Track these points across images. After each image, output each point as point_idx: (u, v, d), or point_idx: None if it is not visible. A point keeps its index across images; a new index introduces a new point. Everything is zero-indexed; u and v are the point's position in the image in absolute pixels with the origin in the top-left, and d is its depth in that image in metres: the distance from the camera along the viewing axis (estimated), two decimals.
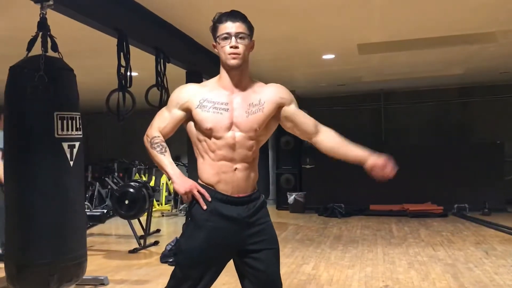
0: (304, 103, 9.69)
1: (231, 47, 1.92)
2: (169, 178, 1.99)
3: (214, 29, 1.97)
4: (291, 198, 8.62)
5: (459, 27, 5.00)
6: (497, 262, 4.56)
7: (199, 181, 2.00)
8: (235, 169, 1.94)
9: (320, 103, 9.82)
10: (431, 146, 8.90)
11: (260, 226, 1.99)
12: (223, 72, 1.99)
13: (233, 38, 1.92)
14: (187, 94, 1.99)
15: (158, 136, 2.00)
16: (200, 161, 2.00)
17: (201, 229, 1.96)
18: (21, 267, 2.48)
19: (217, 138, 1.93)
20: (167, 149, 2.00)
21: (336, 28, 4.88)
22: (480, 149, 8.32)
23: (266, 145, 9.76)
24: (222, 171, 1.94)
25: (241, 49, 1.93)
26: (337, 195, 8.29)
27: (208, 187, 1.96)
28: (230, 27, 1.92)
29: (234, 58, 1.92)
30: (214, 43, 1.99)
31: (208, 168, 1.96)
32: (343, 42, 5.48)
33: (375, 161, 2.00)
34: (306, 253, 5.21)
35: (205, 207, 1.93)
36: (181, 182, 1.95)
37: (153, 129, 2.03)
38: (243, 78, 1.99)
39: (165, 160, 1.97)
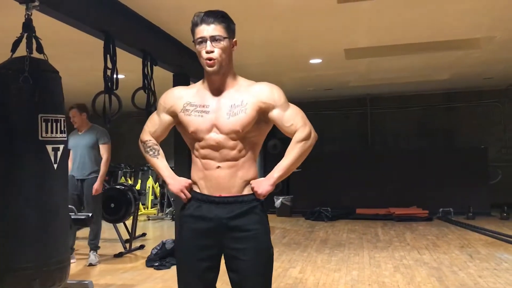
0: None
1: (206, 52, 1.84)
2: (164, 180, 2.04)
3: (192, 31, 1.89)
4: (278, 201, 8.63)
5: (444, 33, 5.07)
6: (481, 265, 4.61)
7: (191, 177, 2.01)
8: (218, 167, 1.89)
9: (307, 107, 9.76)
10: (416, 150, 8.99)
11: (243, 233, 1.89)
12: (205, 74, 1.93)
13: (208, 42, 1.83)
14: (173, 98, 1.98)
15: (150, 140, 2.04)
16: (192, 160, 2.00)
17: (182, 230, 1.98)
18: (3, 271, 2.44)
19: (199, 140, 1.91)
20: (160, 151, 2.04)
21: (323, 33, 4.91)
22: (464, 154, 8.43)
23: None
24: (205, 168, 1.91)
25: (216, 53, 1.84)
26: (323, 199, 8.32)
27: (191, 188, 1.97)
28: (205, 30, 1.83)
29: (210, 65, 1.85)
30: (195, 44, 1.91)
31: (195, 165, 1.96)
32: (330, 47, 5.51)
33: (253, 182, 1.96)
34: (293, 256, 5.21)
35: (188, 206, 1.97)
36: (174, 183, 1.98)
37: (145, 133, 2.07)
38: (226, 79, 1.91)
39: (159, 163, 2.02)
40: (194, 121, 1.90)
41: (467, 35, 5.19)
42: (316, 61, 6.22)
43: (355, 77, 7.69)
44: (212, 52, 1.84)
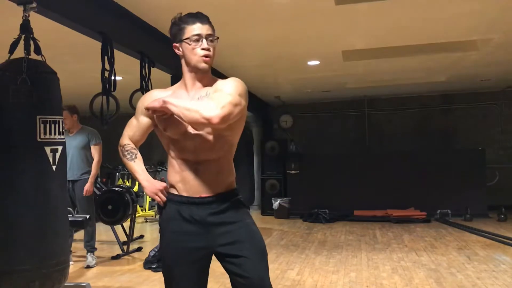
0: (289, 109, 9.77)
1: (203, 49, 1.88)
2: (140, 183, 2.00)
3: (179, 30, 1.91)
4: (276, 203, 8.62)
5: (442, 36, 5.08)
6: (479, 267, 4.62)
7: (167, 181, 2.00)
8: (196, 168, 1.89)
9: (305, 109, 9.88)
10: (414, 152, 9.00)
11: (230, 226, 1.89)
12: (186, 74, 1.95)
13: (205, 40, 1.88)
14: (150, 101, 1.95)
15: (128, 144, 2.03)
16: (168, 162, 2.00)
17: (164, 235, 1.97)
18: (1, 274, 2.43)
19: (176, 140, 1.91)
20: (138, 155, 2.03)
21: (321, 35, 4.92)
22: (462, 155, 8.44)
23: (252, 151, 9.78)
24: (182, 169, 1.91)
25: (211, 52, 1.89)
26: (321, 201, 8.32)
27: (169, 192, 1.96)
28: (200, 28, 1.88)
29: (206, 62, 1.89)
30: (177, 44, 1.92)
31: (171, 168, 1.96)
32: (328, 49, 5.52)
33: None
34: (291, 258, 5.21)
35: (164, 205, 1.96)
36: (149, 185, 1.96)
37: (124, 137, 2.06)
38: (205, 78, 1.94)
39: (135, 166, 2.00)
40: (169, 121, 1.89)
41: (465, 37, 5.21)
42: (313, 63, 6.23)
43: (353, 79, 7.69)
44: (209, 49, 1.88)
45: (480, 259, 4.98)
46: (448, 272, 4.47)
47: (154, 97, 1.96)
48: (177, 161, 1.92)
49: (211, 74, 1.98)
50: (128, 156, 2.01)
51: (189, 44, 1.88)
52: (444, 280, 4.19)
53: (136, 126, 2.03)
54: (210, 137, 1.88)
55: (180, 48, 1.92)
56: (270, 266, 1.97)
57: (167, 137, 1.94)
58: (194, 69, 1.91)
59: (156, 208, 9.04)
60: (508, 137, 9.11)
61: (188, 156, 1.90)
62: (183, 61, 1.95)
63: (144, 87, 4.25)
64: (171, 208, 1.94)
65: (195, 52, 1.88)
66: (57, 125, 2.55)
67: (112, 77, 3.62)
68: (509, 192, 8.69)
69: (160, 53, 4.61)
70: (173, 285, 1.96)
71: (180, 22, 1.91)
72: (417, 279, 4.23)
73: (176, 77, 5.15)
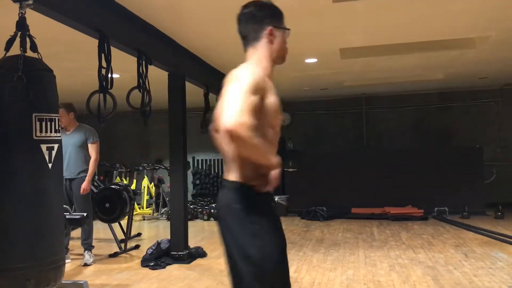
0: (287, 107, 9.77)
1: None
2: (271, 168, 1.78)
3: (282, 17, 1.91)
4: None
5: (439, 33, 5.08)
6: (476, 264, 4.63)
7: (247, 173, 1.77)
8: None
9: (303, 107, 9.88)
10: (412, 150, 9.01)
11: None
12: (270, 62, 1.90)
13: None
14: (264, 79, 1.80)
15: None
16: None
17: (272, 231, 1.82)
18: None
19: (275, 126, 1.79)
20: None
21: (319, 33, 4.91)
22: (460, 153, 8.44)
23: None
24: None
25: None
26: (319, 199, 8.32)
27: (254, 185, 1.76)
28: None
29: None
30: (273, 29, 1.85)
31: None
32: (325, 47, 5.51)
33: None
34: (288, 256, 5.17)
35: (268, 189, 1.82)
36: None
37: (250, 118, 1.58)
38: None
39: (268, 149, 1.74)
40: (277, 103, 1.78)
41: (462, 34, 5.20)
42: (311, 60, 6.22)
43: (351, 77, 7.69)
44: None
45: (477, 256, 4.99)
46: (445, 269, 4.48)
47: (265, 77, 1.80)
48: (274, 150, 1.81)
49: None
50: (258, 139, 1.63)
51: (285, 33, 1.92)
52: (441, 277, 4.20)
53: (259, 108, 1.68)
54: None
55: (275, 34, 1.87)
56: None
57: (271, 121, 1.76)
58: (277, 60, 1.93)
59: (153, 205, 9.04)
60: (506, 134, 9.13)
61: (275, 144, 1.81)
62: (267, 48, 1.87)
63: (141, 85, 4.23)
64: (265, 202, 1.82)
65: (286, 45, 1.94)
66: (53, 123, 2.55)
67: (109, 75, 3.60)
68: (506, 190, 8.72)
69: (157, 51, 4.60)
70: (283, 278, 1.96)
71: (279, 11, 1.92)
72: (415, 276, 4.24)
73: (173, 75, 5.15)
